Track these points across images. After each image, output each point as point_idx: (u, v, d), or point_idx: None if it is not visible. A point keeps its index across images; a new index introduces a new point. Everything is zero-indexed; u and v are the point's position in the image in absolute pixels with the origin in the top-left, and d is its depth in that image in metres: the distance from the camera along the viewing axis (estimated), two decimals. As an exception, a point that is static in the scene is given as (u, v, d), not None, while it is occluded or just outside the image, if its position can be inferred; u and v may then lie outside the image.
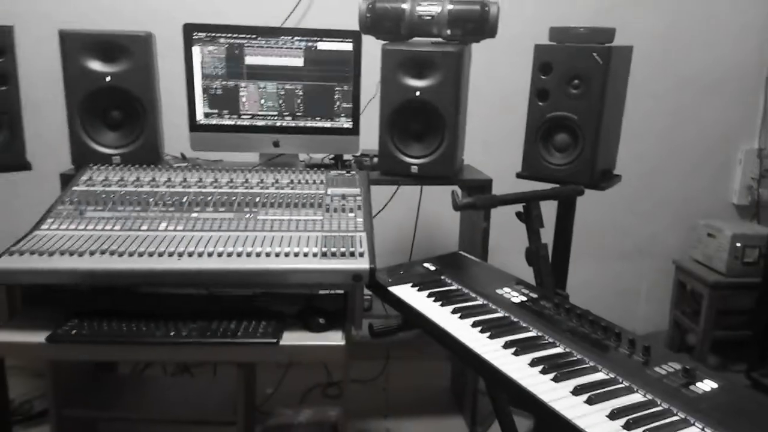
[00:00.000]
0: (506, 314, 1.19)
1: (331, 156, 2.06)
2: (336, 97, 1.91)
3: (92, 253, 1.29)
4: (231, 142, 1.91)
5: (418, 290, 1.33)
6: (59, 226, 1.42)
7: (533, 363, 0.99)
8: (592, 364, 0.99)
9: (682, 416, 0.83)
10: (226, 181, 1.65)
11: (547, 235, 1.81)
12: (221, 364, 1.96)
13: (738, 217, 2.85)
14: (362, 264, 1.31)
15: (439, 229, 2.52)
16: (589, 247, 2.64)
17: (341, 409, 1.88)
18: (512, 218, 1.52)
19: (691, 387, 0.89)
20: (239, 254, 1.32)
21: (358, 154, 2.05)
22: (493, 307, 1.23)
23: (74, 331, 1.22)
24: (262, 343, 1.22)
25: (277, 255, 1.33)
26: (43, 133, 2.05)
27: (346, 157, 2.06)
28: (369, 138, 1.99)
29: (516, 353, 1.03)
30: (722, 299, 2.57)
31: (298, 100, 1.90)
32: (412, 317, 1.25)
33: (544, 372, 0.96)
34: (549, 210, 1.90)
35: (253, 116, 1.90)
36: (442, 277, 1.40)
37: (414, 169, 1.93)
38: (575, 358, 1.01)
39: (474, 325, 1.14)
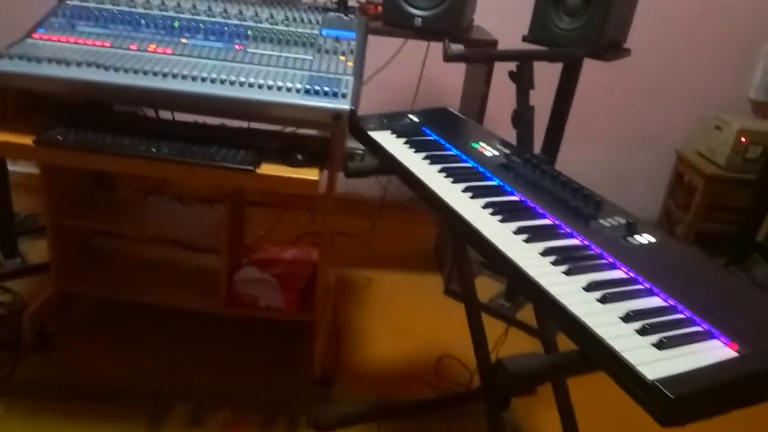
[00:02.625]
0: (474, 165, 1.22)
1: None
2: (344, -67, 1.80)
3: (80, 64, 1.31)
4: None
5: (397, 137, 1.35)
6: (51, 36, 1.43)
7: (486, 205, 1.03)
8: (541, 211, 1.03)
9: (610, 261, 0.88)
10: (219, 11, 1.61)
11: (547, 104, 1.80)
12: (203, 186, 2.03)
13: (752, 113, 2.77)
14: (343, 104, 1.32)
15: (442, 92, 2.48)
16: (590, 127, 2.62)
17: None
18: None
19: (629, 239, 0.93)
20: (223, 81, 1.33)
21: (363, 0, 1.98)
22: (464, 157, 1.25)
23: (60, 137, 1.27)
24: (240, 169, 1.27)
25: (260, 87, 1.34)
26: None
27: (352, 3, 1.98)
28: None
29: (472, 197, 1.07)
30: (716, 193, 2.57)
31: (303, -66, 1.80)
32: (386, 162, 1.29)
33: (494, 213, 1.01)
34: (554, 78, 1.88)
35: (255, -53, 1.81)
36: (423, 128, 1.41)
37: (418, 21, 1.87)
38: (527, 206, 1.05)
39: (441, 171, 1.17)
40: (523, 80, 1.47)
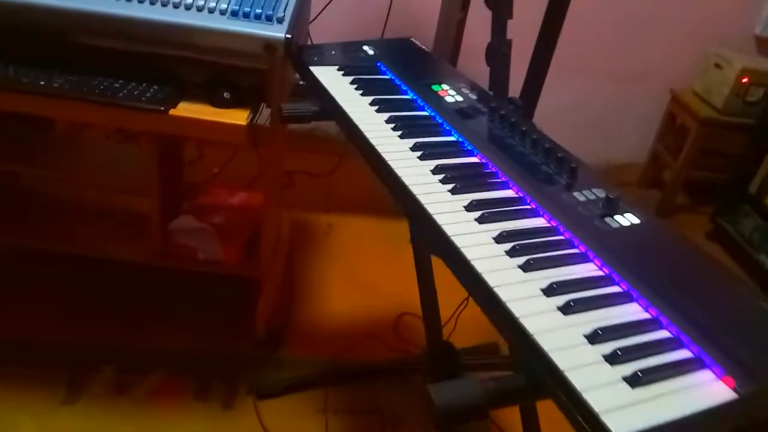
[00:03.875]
0: (432, 113, 1.01)
1: None
2: None
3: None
4: None
5: (343, 74, 1.12)
6: None
7: (436, 170, 0.84)
8: (503, 179, 0.83)
9: (581, 250, 0.70)
10: None
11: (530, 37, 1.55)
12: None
13: (756, 52, 2.53)
14: (277, 32, 1.09)
15: (417, 18, 2.20)
16: (579, 62, 2.37)
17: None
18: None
19: (607, 219, 0.75)
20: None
21: None
22: (421, 103, 1.04)
23: None
24: (147, 109, 1.05)
25: (176, 6, 1.09)
26: None
27: None
28: None
29: (421, 158, 0.87)
30: (709, 137, 2.38)
31: None
32: (327, 104, 1.07)
33: (444, 182, 0.81)
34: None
35: None
36: (378, 64, 1.18)
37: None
38: (487, 171, 0.86)
39: (389, 121, 0.96)
40: (499, 6, 1.23)
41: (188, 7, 1.09)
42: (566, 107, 2.43)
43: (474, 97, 1.07)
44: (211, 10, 1.09)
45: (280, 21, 1.11)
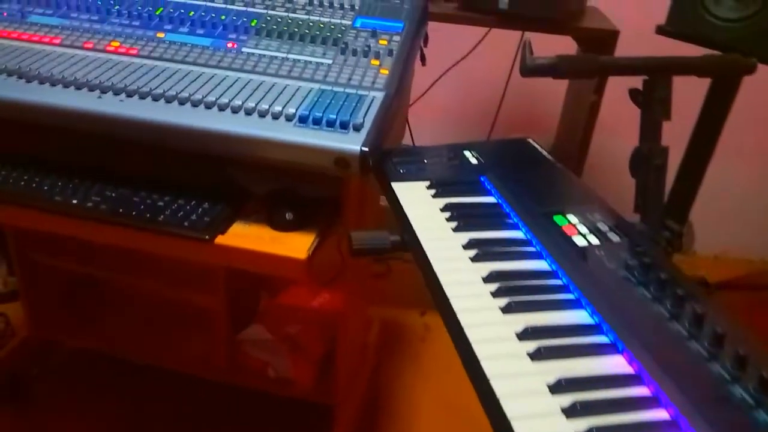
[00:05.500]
0: (552, 264, 0.71)
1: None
2: None
3: (-3, 73, 0.95)
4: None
5: (435, 195, 0.86)
6: (-11, 30, 1.08)
7: (556, 387, 0.53)
8: (662, 395, 0.51)
9: None
10: (223, -9, 1.19)
11: (680, 132, 1.16)
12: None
13: None
14: (351, 143, 0.86)
15: (538, 97, 1.92)
16: (741, 141, 1.93)
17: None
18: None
19: None
20: (183, 101, 0.91)
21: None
22: (538, 249, 0.74)
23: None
24: (190, 237, 0.85)
25: (235, 111, 0.90)
26: None
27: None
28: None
29: (535, 357, 0.57)
30: None
31: None
32: (409, 236, 0.81)
33: (568, 411, 0.51)
34: (692, 93, 1.24)
35: None
36: (482, 179, 0.91)
37: (503, 3, 1.34)
38: (634, 378, 0.54)
39: (489, 277, 0.68)
40: (652, 105, 0.91)
41: (249, 112, 0.90)
42: (725, 195, 1.99)
43: (616, 238, 0.75)
44: (275, 116, 0.89)
45: (357, 129, 0.88)
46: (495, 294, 0.66)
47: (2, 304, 1.68)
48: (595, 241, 0.74)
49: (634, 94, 0.95)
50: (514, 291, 0.66)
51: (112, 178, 0.93)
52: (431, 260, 0.71)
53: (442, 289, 0.67)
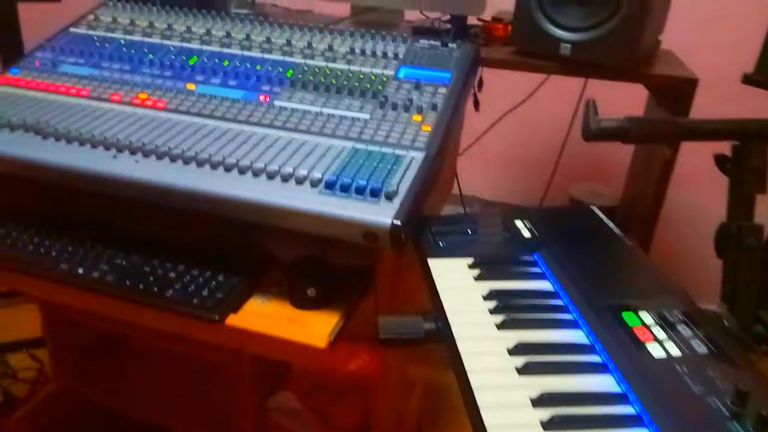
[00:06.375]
0: (620, 389, 0.57)
1: (446, 18, 1.40)
2: None
3: (14, 129, 0.90)
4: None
5: (477, 277, 0.74)
6: (20, 80, 1.04)
7: None
8: None
9: None
10: (260, 40, 1.12)
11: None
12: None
13: None
14: (382, 215, 0.75)
15: (602, 146, 1.76)
16: None
17: None
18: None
19: None
20: (201, 163, 0.83)
21: (485, 17, 1.37)
22: (602, 360, 0.60)
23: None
24: (197, 316, 0.76)
25: (256, 174, 0.81)
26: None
27: (471, 21, 1.39)
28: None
29: None
30: None
31: (400, -77, 1.25)
32: (441, 324, 0.69)
33: None
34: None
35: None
36: (535, 257, 0.78)
37: (565, 48, 1.22)
38: None
39: (539, 403, 0.55)
40: (744, 176, 0.76)
41: (271, 176, 0.80)
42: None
43: (702, 348, 0.60)
44: (299, 180, 0.79)
45: (390, 197, 0.77)
46: (547, 427, 0.52)
47: (39, 349, 1.65)
48: (675, 351, 0.60)
49: (721, 160, 0.80)
50: (572, 422, 0.52)
51: (126, 242, 0.86)
52: (468, 372, 0.58)
53: (479, 413, 0.54)
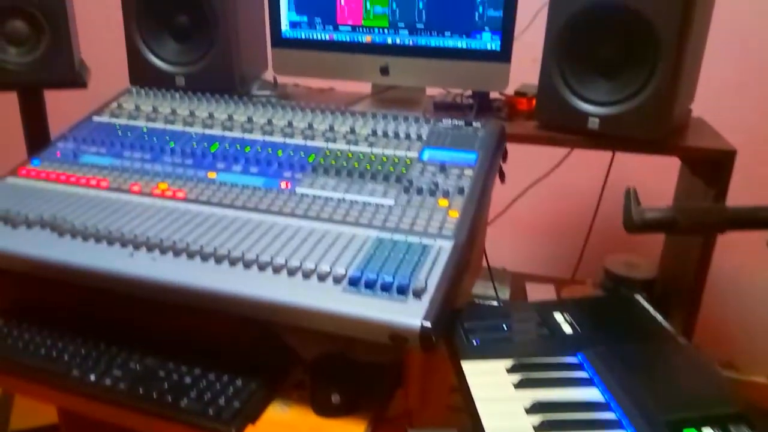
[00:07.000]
0: None
1: (469, 93, 1.39)
2: (477, 1, 1.22)
3: (31, 226, 0.88)
4: (323, 64, 1.36)
5: (518, 384, 0.67)
6: (41, 172, 1.04)
7: None
8: None
9: None
10: (282, 125, 1.11)
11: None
12: None
13: None
14: (410, 315, 0.69)
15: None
16: None
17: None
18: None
19: None
20: (219, 259, 0.79)
21: (508, 92, 1.35)
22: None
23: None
24: (213, 429, 0.70)
25: (276, 271, 0.77)
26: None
27: (494, 95, 1.37)
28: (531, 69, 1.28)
29: None
30: None
31: (420, 5, 1.25)
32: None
33: None
34: None
35: (353, 28, 1.31)
36: (580, 357, 0.71)
37: (593, 122, 1.18)
38: None
39: None
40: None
41: (292, 272, 0.76)
42: None
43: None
44: (322, 277, 0.75)
45: (418, 294, 0.72)
46: None
47: None
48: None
49: None
50: None
51: (141, 341, 0.82)
52: None
53: None
